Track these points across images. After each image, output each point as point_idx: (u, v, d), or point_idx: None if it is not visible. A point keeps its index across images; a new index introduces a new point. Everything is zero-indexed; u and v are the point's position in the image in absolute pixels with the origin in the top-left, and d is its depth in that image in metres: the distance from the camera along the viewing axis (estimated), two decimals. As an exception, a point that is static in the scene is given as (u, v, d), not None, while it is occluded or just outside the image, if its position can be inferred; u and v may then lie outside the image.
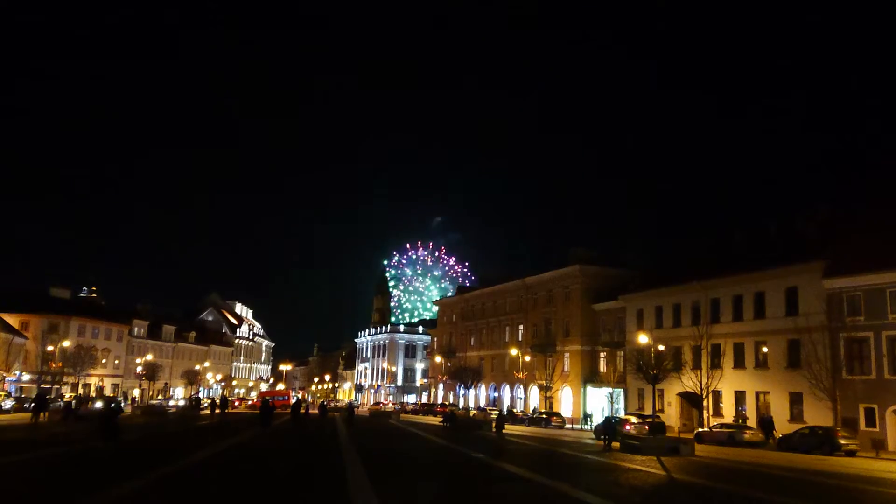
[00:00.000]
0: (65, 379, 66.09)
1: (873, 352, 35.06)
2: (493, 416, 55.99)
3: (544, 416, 53.97)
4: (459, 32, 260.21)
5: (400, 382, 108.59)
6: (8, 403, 50.62)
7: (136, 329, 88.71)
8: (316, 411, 55.50)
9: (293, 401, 75.80)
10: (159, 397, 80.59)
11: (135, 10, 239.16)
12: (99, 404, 50.40)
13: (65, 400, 54.87)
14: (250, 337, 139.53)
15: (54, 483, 14.29)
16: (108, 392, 76.28)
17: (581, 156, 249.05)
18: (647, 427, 36.01)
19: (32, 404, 40.19)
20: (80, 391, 69.28)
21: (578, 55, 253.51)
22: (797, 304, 39.58)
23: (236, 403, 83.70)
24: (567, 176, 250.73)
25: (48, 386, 63.37)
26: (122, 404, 40.36)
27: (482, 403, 72.96)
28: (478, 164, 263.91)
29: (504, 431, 37.11)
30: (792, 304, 40.04)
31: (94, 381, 76.11)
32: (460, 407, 66.45)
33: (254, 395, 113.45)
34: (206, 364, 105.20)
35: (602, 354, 58.91)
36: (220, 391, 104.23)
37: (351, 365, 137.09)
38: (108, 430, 20.82)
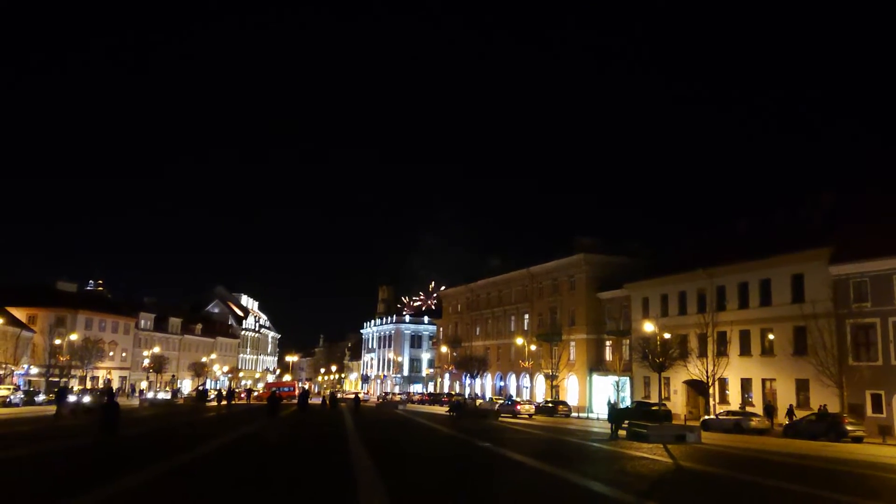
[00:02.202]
0: (72, 372, 66.45)
1: (880, 338, 34.96)
2: (497, 406, 56.32)
3: (550, 404, 54.17)
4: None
5: (406, 372, 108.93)
6: (17, 397, 50.77)
7: (142, 322, 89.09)
8: (328, 403, 55.42)
9: (298, 392, 75.98)
10: (166, 389, 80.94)
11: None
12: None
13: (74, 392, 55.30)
14: (256, 328, 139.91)
15: (43, 480, 14.01)
16: (115, 385, 76.72)
17: (584, 146, 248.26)
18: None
19: (55, 398, 40.65)
20: (89, 384, 69.69)
21: (578, 37, 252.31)
22: (803, 290, 39.42)
23: (242, 395, 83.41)
24: (570, 166, 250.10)
25: (56, 379, 63.77)
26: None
27: (488, 393, 73.20)
28: (480, 155, 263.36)
29: (509, 420, 37.18)
30: (798, 291, 39.89)
31: (101, 373, 76.54)
32: (467, 396, 66.70)
33: (260, 385, 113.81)
34: (213, 356, 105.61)
35: (607, 343, 58.93)
36: (227, 383, 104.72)
37: (357, 355, 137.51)
38: (108, 424, 20.69)
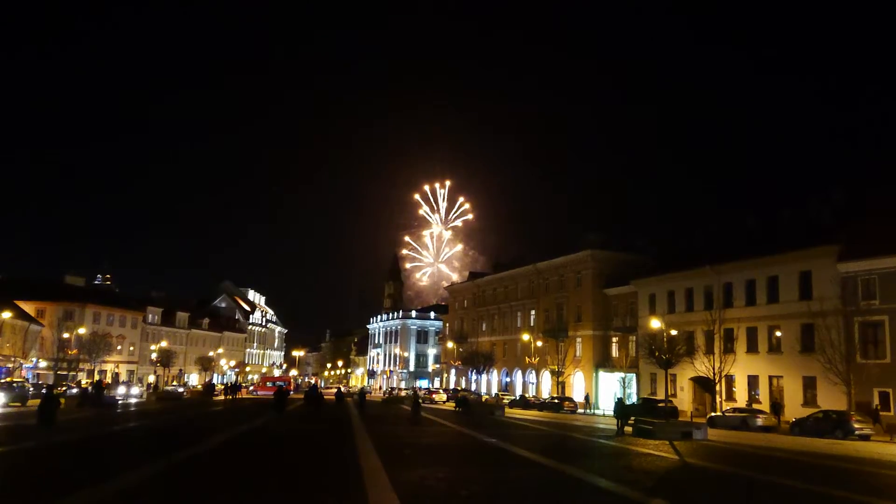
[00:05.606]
0: (80, 366, 66.87)
1: (888, 336, 34.81)
2: (501, 400, 56.34)
3: (556, 401, 54.25)
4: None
5: (412, 368, 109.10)
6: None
7: (150, 316, 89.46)
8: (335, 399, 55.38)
9: (293, 386, 75.48)
10: (173, 384, 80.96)
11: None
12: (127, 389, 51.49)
13: (81, 386, 55.68)
14: (263, 323, 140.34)
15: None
16: (123, 378, 77.07)
17: (590, 141, 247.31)
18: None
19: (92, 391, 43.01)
20: (96, 377, 70.11)
21: (580, 31, 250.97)
22: (811, 288, 39.28)
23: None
24: (575, 161, 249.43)
25: (65, 372, 64.15)
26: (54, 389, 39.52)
27: (494, 389, 73.33)
28: (484, 151, 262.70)
29: (514, 415, 37.18)
30: (806, 288, 39.76)
31: (109, 367, 76.90)
32: (473, 391, 66.87)
33: (257, 378, 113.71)
34: (220, 350, 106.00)
35: (614, 339, 58.86)
36: (233, 377, 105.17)
37: (363, 351, 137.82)
38: (46, 417, 20.60)
